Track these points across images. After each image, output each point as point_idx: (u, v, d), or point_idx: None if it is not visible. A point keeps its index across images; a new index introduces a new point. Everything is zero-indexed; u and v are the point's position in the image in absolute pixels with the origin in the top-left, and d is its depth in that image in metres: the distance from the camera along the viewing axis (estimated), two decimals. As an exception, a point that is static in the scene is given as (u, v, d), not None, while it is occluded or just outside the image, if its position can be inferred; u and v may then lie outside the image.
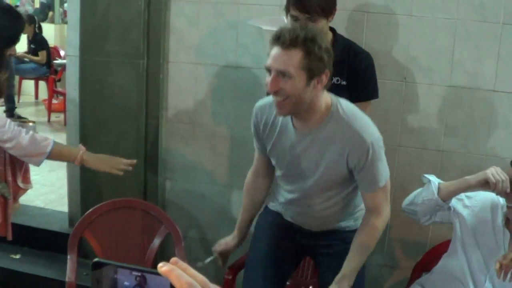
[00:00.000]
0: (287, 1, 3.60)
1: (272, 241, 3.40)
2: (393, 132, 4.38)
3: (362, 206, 3.23)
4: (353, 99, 3.59)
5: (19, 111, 10.32)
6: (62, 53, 11.95)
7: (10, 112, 10.01)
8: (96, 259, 1.08)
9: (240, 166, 4.68)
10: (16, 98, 11.68)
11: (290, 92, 2.78)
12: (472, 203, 3.40)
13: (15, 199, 3.89)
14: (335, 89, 3.25)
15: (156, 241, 3.97)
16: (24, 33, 9.47)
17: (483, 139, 4.27)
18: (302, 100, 2.83)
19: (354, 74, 3.77)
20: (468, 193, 3.39)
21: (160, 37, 4.72)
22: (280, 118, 3.07)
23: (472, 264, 3.32)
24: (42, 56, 10.96)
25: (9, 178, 3.74)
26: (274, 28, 2.97)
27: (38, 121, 10.14)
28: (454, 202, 3.40)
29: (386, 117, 4.35)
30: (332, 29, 3.81)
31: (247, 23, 4.44)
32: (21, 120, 3.56)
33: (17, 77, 11.15)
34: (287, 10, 3.60)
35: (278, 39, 2.75)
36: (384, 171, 3.08)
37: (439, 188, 3.33)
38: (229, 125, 4.76)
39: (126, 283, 1.05)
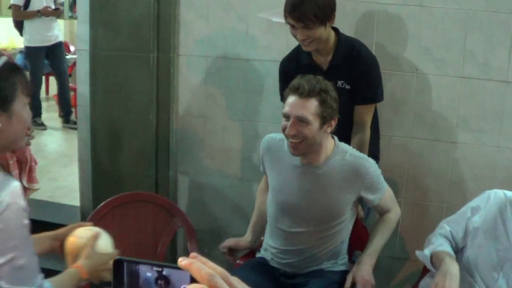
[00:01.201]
0: (284, 8, 3.66)
1: (255, 277, 3.54)
2: (405, 123, 4.37)
3: (345, 257, 3.66)
4: (357, 102, 3.63)
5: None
6: (72, 48, 11.95)
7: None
8: (117, 257, 1.12)
9: (252, 159, 4.68)
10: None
11: (307, 136, 3.25)
12: (481, 211, 3.37)
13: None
14: (339, 93, 3.51)
15: (168, 235, 3.97)
16: None
17: (495, 130, 4.25)
18: (315, 142, 3.30)
19: (357, 77, 3.80)
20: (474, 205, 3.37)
21: (170, 30, 4.72)
22: (287, 155, 3.46)
23: (484, 263, 3.30)
24: None
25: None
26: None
27: (49, 117, 10.21)
28: (463, 225, 3.39)
29: (398, 109, 4.34)
30: (335, 30, 3.83)
31: (257, 15, 4.43)
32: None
33: (27, 73, 11.11)
34: (285, 17, 3.69)
35: (297, 89, 3.23)
36: (384, 182, 3.56)
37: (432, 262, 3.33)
38: (240, 118, 4.76)
39: (148, 273, 1.07)
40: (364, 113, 3.79)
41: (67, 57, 10.80)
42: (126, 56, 4.70)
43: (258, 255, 3.76)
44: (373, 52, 4.16)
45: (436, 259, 3.24)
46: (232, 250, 3.74)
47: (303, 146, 3.30)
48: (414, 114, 4.36)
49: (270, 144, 3.62)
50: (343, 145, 3.51)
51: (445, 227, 3.42)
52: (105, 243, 2.64)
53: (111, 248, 2.64)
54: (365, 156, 3.52)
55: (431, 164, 4.40)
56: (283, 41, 3.81)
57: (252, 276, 3.50)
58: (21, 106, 2.35)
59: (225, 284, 1.03)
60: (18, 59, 11.14)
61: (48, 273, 3.94)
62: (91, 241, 2.57)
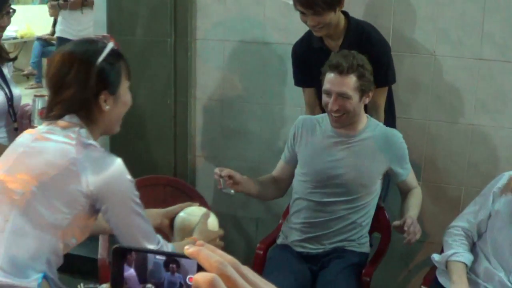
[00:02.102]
0: None
1: (289, 262, 3.65)
2: (423, 106, 4.35)
3: (367, 237, 3.77)
4: None
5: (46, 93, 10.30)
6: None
7: None
8: (116, 245, 1.04)
9: (270, 142, 4.69)
10: (44, 81, 11.68)
11: (349, 109, 3.48)
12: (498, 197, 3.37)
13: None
14: None
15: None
16: (51, 16, 9.44)
17: (514, 113, 4.22)
18: (356, 113, 3.54)
19: (369, 60, 3.77)
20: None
21: (187, 14, 4.71)
22: (322, 129, 3.71)
23: (503, 246, 3.30)
24: None
25: None
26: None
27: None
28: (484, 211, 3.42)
29: (416, 91, 4.33)
30: (344, 13, 3.84)
31: (274, -2, 4.43)
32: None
33: (45, 60, 11.10)
34: (295, 4, 3.72)
35: (337, 67, 3.43)
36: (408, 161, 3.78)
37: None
38: (258, 102, 4.75)
39: (157, 256, 1.02)
40: (376, 96, 3.79)
41: None
42: (144, 41, 4.71)
43: (278, 241, 3.83)
44: (390, 35, 4.15)
45: (449, 269, 3.32)
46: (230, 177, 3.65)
47: (345, 119, 3.53)
48: (432, 96, 4.34)
49: (304, 122, 3.78)
50: (374, 119, 3.75)
51: (464, 221, 3.46)
52: (213, 222, 2.91)
53: (218, 226, 2.91)
54: (394, 129, 3.79)
55: (449, 147, 4.39)
56: (300, 23, 3.79)
57: (285, 258, 3.63)
58: (125, 89, 2.60)
59: (236, 273, 0.95)
60: (36, 47, 11.18)
61: (83, 259, 4.00)
62: (204, 219, 2.84)
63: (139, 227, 2.50)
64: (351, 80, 3.42)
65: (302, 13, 3.70)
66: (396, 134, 3.70)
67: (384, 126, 3.74)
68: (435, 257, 3.46)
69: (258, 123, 4.80)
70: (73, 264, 4.91)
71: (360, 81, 3.44)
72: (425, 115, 4.38)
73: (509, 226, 3.28)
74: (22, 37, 11.68)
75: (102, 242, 3.67)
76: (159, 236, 2.60)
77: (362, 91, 3.47)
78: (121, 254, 1.03)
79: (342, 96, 3.44)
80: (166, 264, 1.02)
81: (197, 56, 4.84)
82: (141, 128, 4.77)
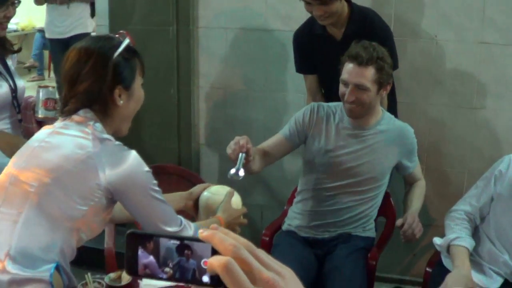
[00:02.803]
0: None
1: (294, 248, 3.66)
2: (425, 90, 4.38)
3: (373, 223, 3.78)
4: None
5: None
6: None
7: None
8: (130, 230, 1.05)
9: (273, 129, 4.69)
10: (46, 74, 11.67)
11: (365, 101, 3.43)
12: (503, 177, 3.39)
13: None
14: None
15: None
16: (36, 4, 9.12)
17: (517, 96, 4.24)
18: (371, 106, 3.51)
19: None
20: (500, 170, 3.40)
21: (189, 3, 4.72)
22: (336, 119, 3.65)
23: (506, 227, 3.33)
24: None
25: None
26: None
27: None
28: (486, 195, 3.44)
29: (418, 76, 4.35)
30: (348, 1, 3.85)
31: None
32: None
33: (47, 52, 11.06)
34: None
35: (356, 58, 3.37)
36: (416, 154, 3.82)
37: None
38: (261, 89, 4.78)
39: (169, 243, 1.03)
40: None
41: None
42: (146, 30, 4.72)
43: (284, 227, 3.84)
44: (392, 21, 4.17)
45: (451, 253, 3.32)
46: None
47: (360, 110, 3.49)
48: (434, 81, 4.36)
49: (320, 109, 3.71)
50: (388, 113, 3.73)
51: (466, 204, 3.48)
52: (236, 200, 2.97)
53: (241, 204, 2.97)
54: (407, 124, 3.74)
55: (452, 131, 4.41)
56: (302, 10, 3.81)
57: (290, 245, 3.65)
58: (138, 86, 2.64)
59: (251, 256, 0.97)
60: (37, 39, 11.16)
61: (89, 250, 4.03)
62: (228, 197, 2.91)
63: (161, 213, 2.55)
64: (370, 72, 3.37)
65: (307, 2, 3.71)
66: (409, 129, 3.69)
67: (398, 120, 3.75)
68: (437, 240, 3.47)
69: (261, 110, 4.82)
70: (80, 255, 4.95)
71: (379, 74, 3.39)
72: (427, 100, 4.41)
73: (508, 210, 3.30)
74: (23, 30, 11.65)
75: (108, 231, 3.68)
76: (181, 217, 2.63)
77: (380, 84, 3.43)
78: (135, 239, 1.04)
79: (359, 88, 3.39)
80: (179, 249, 1.02)
81: (199, 45, 4.85)
82: (145, 118, 4.78)
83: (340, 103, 3.63)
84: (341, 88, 3.48)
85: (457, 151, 4.46)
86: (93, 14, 9.47)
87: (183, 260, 1.02)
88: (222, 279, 0.93)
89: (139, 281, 2.84)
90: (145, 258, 1.03)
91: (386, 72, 3.42)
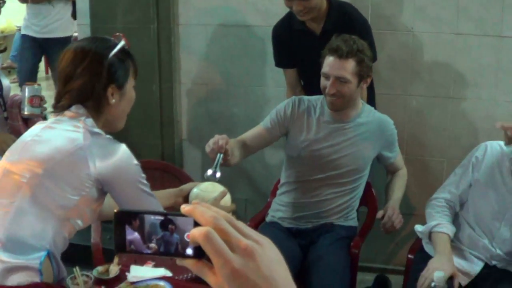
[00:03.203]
0: None
1: (278, 239, 3.57)
2: (403, 81, 4.46)
3: (355, 213, 3.85)
4: None
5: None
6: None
7: None
8: (119, 209, 1.12)
9: (254, 124, 4.71)
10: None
11: (346, 93, 3.49)
12: (479, 164, 3.46)
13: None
14: None
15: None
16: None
17: (492, 85, 4.33)
18: (352, 98, 3.57)
19: None
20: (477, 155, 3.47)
21: (169, 0, 4.77)
22: (317, 112, 3.70)
23: (484, 212, 3.40)
24: None
25: None
26: None
27: (50, 95, 10.21)
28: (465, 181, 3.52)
29: (396, 67, 4.42)
30: None
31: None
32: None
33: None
34: None
35: (336, 51, 3.43)
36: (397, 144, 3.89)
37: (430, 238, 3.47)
38: (242, 84, 4.83)
39: (153, 217, 1.07)
40: None
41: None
42: (127, 28, 4.73)
43: (268, 219, 3.90)
44: (369, 14, 4.23)
45: (433, 240, 3.40)
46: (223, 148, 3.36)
47: (341, 102, 3.55)
48: (412, 72, 4.44)
49: (301, 103, 3.76)
50: (368, 105, 3.80)
51: (446, 192, 3.55)
52: (226, 199, 3.00)
53: (230, 202, 3.01)
54: (386, 116, 3.80)
55: (430, 120, 4.49)
56: (281, 5, 3.86)
57: (274, 236, 3.66)
58: (131, 86, 2.75)
59: (230, 226, 1.02)
60: (17, 40, 11.10)
61: (76, 247, 4.06)
62: (219, 195, 2.95)
63: (148, 206, 2.62)
64: (350, 64, 3.43)
65: None
66: (388, 121, 3.76)
67: (377, 112, 3.80)
68: (418, 228, 3.54)
69: (242, 105, 4.88)
70: (67, 252, 4.99)
71: (359, 66, 3.45)
72: (406, 91, 4.49)
73: (489, 193, 3.38)
74: (2, 32, 11.61)
75: (94, 227, 3.72)
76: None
77: (361, 76, 3.49)
78: (122, 219, 1.08)
79: (340, 80, 3.45)
80: (162, 225, 1.07)
81: (180, 42, 4.90)
82: (128, 115, 4.82)
83: (320, 97, 3.69)
84: (322, 81, 3.53)
85: (436, 140, 4.53)
86: (75, 15, 9.28)
87: (167, 234, 1.06)
88: (203, 248, 0.99)
89: (126, 273, 2.90)
90: (131, 235, 1.08)
91: (366, 64, 3.49)
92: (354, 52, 3.42)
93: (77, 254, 4.47)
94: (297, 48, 4.06)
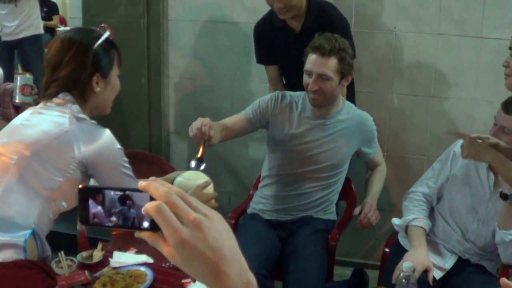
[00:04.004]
0: None
1: (259, 230, 3.79)
2: (385, 80, 4.54)
3: (334, 207, 3.93)
4: None
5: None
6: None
7: None
8: (81, 186, 1.18)
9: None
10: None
11: (327, 90, 3.57)
12: (457, 159, 3.55)
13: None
14: None
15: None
16: None
17: (472, 84, 4.42)
18: (333, 95, 3.64)
19: None
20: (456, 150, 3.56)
21: (159, -4, 4.84)
22: (299, 108, 3.77)
23: (459, 207, 3.49)
24: (56, 20, 10.19)
25: None
26: None
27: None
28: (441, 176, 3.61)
29: (378, 66, 4.50)
30: None
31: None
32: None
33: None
34: None
35: (319, 49, 3.51)
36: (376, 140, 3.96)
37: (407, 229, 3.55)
38: (228, 79, 4.92)
39: (112, 193, 1.15)
40: None
41: (59, 29, 10.03)
42: (118, 22, 4.80)
43: (249, 210, 3.98)
44: (353, 13, 4.32)
45: (409, 234, 3.48)
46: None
47: (323, 99, 3.63)
48: (394, 71, 4.53)
49: (284, 98, 3.83)
50: (348, 102, 3.88)
51: (424, 186, 3.64)
52: (209, 188, 3.03)
53: (212, 190, 3.04)
54: (366, 113, 3.88)
55: (411, 118, 4.58)
56: (267, 4, 3.93)
57: (254, 231, 3.76)
58: (115, 75, 2.87)
59: (180, 200, 1.09)
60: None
61: (60, 235, 4.13)
62: (203, 184, 2.99)
63: (130, 186, 2.71)
64: (332, 62, 3.51)
65: None
66: (368, 117, 3.84)
67: (357, 109, 3.88)
68: (396, 221, 3.61)
69: (228, 99, 4.95)
70: (53, 240, 5.05)
71: (341, 64, 3.53)
72: (387, 89, 4.57)
73: (464, 188, 3.46)
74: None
75: (80, 215, 3.81)
76: None
77: (342, 74, 3.56)
78: (86, 194, 1.17)
79: (322, 77, 3.53)
80: (120, 200, 1.15)
81: (169, 36, 4.99)
82: (116, 107, 4.86)
83: (303, 93, 3.77)
84: (305, 78, 3.61)
85: (416, 138, 4.62)
86: (50, 12, 9.16)
87: (125, 209, 1.15)
88: (155, 220, 1.08)
89: (109, 258, 3.00)
90: (94, 208, 1.16)
91: (348, 62, 3.57)
92: (336, 50, 3.50)
93: (63, 242, 4.57)
94: (277, 45, 4.13)
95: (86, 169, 2.68)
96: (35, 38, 7.05)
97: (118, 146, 2.73)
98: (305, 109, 3.77)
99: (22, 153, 2.61)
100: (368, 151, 3.91)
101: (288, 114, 3.78)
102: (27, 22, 6.92)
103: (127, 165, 2.76)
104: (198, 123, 3.36)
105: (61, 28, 10.58)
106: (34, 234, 2.60)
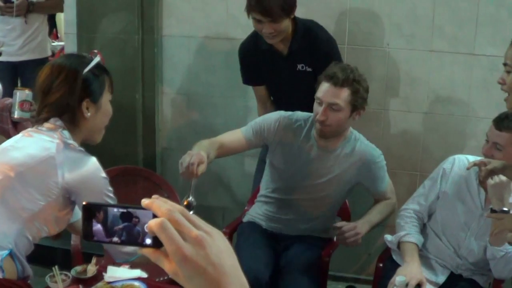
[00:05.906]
0: (248, 3, 3.79)
1: (257, 237, 3.78)
2: (378, 96, 4.55)
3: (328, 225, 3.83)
4: None
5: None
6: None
7: None
8: (85, 202, 1.20)
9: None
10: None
11: (335, 122, 3.48)
12: (447, 176, 3.58)
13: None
14: (301, 75, 3.72)
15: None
16: None
17: (464, 101, 4.44)
18: (340, 128, 3.56)
19: (319, 58, 3.92)
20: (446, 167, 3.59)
21: (153, 12, 4.86)
22: (304, 135, 3.68)
23: (451, 223, 3.52)
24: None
25: None
26: None
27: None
28: (433, 194, 3.64)
29: (372, 83, 4.42)
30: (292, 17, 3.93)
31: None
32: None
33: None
34: (248, 12, 3.81)
35: (332, 78, 3.42)
36: (386, 172, 3.81)
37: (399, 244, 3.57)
38: (223, 95, 4.92)
39: (115, 210, 1.18)
40: None
41: (54, 43, 8.85)
42: (113, 38, 4.84)
43: (245, 219, 3.96)
44: (346, 30, 4.34)
45: (401, 249, 3.51)
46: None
47: (329, 131, 3.54)
48: (387, 87, 4.56)
49: (288, 122, 3.72)
50: (356, 132, 3.75)
51: (415, 203, 3.67)
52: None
53: None
54: (374, 146, 3.76)
55: (404, 134, 4.60)
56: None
57: (253, 234, 3.78)
58: (106, 101, 2.87)
59: (183, 217, 1.12)
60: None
61: (54, 250, 4.11)
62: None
63: None
64: (345, 93, 3.42)
65: (258, 20, 3.80)
66: (373, 155, 3.72)
67: (365, 143, 3.73)
68: (388, 237, 3.63)
69: (223, 115, 4.96)
70: (47, 255, 5.04)
71: (353, 96, 3.44)
72: (381, 105, 4.59)
73: (456, 205, 3.49)
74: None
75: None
76: None
77: (354, 107, 3.47)
78: (89, 210, 1.19)
79: (333, 107, 3.43)
80: (123, 216, 1.17)
81: (164, 52, 5.00)
82: (111, 122, 4.89)
83: (310, 116, 3.69)
84: (315, 106, 3.53)
85: (409, 153, 4.64)
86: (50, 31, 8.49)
87: (130, 226, 1.17)
88: (159, 237, 1.11)
89: (103, 273, 3.00)
90: (97, 225, 1.19)
91: (361, 95, 3.49)
92: (349, 81, 3.43)
93: (57, 257, 4.57)
94: (264, 67, 4.13)
95: (70, 195, 2.70)
96: (42, 62, 5.59)
97: (103, 175, 2.74)
98: (309, 137, 3.70)
99: (7, 174, 2.64)
100: (370, 187, 3.81)
101: (291, 140, 3.71)
102: (33, 42, 5.90)
103: (111, 194, 2.77)
104: (187, 161, 3.32)
105: (55, 43, 10.55)
106: (11, 254, 2.62)
